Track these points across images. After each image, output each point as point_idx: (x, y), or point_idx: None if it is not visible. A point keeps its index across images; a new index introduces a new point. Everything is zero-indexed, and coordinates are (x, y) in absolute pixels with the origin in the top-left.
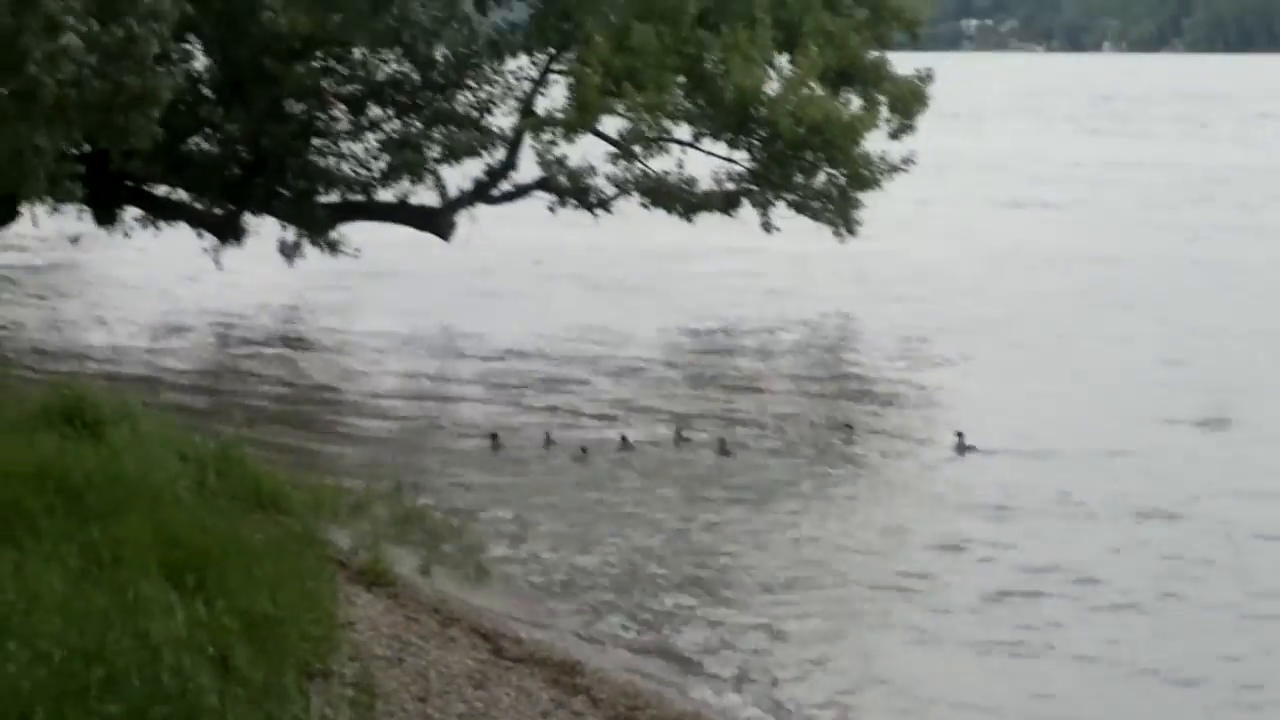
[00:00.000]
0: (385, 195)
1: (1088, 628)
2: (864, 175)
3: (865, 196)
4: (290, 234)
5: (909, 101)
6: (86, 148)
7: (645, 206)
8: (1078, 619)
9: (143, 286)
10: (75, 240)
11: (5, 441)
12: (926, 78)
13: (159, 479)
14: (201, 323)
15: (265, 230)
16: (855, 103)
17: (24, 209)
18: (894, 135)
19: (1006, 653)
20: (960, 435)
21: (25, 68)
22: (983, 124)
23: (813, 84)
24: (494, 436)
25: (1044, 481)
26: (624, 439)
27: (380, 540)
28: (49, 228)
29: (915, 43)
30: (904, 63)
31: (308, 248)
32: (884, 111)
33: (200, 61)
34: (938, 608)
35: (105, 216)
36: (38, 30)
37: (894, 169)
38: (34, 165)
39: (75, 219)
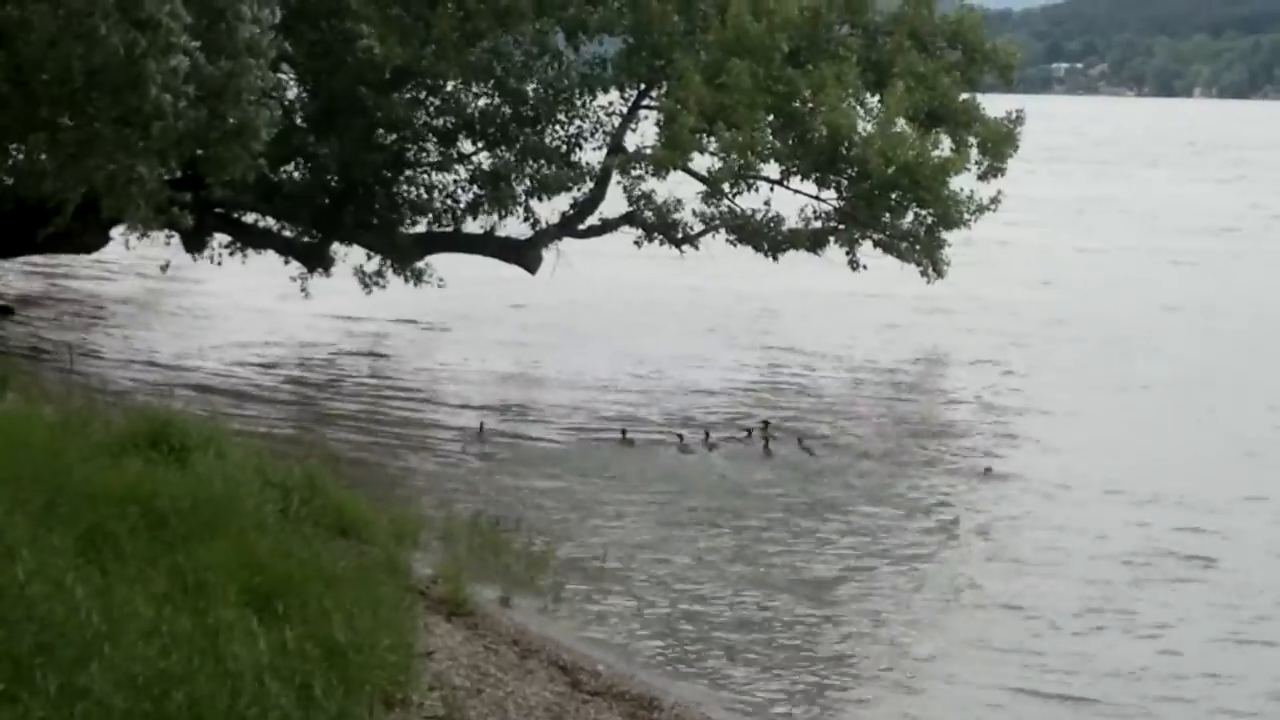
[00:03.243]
0: (473, 227)
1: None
2: (952, 216)
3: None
4: (374, 263)
5: (1000, 143)
6: (178, 174)
7: (732, 243)
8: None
9: (229, 313)
10: (165, 267)
11: (92, 465)
12: (1017, 120)
13: (243, 504)
14: (287, 350)
15: (352, 259)
16: (946, 143)
17: (115, 235)
18: (983, 177)
19: None
20: (988, 469)
21: (146, 89)
22: (1104, 169)
23: (902, 124)
24: (624, 435)
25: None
26: (707, 435)
27: (461, 570)
28: (135, 255)
29: (1005, 85)
30: (994, 105)
31: (392, 278)
32: (974, 153)
33: (293, 91)
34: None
35: (195, 243)
36: (156, 51)
37: (982, 209)
38: (134, 192)
39: (164, 245)
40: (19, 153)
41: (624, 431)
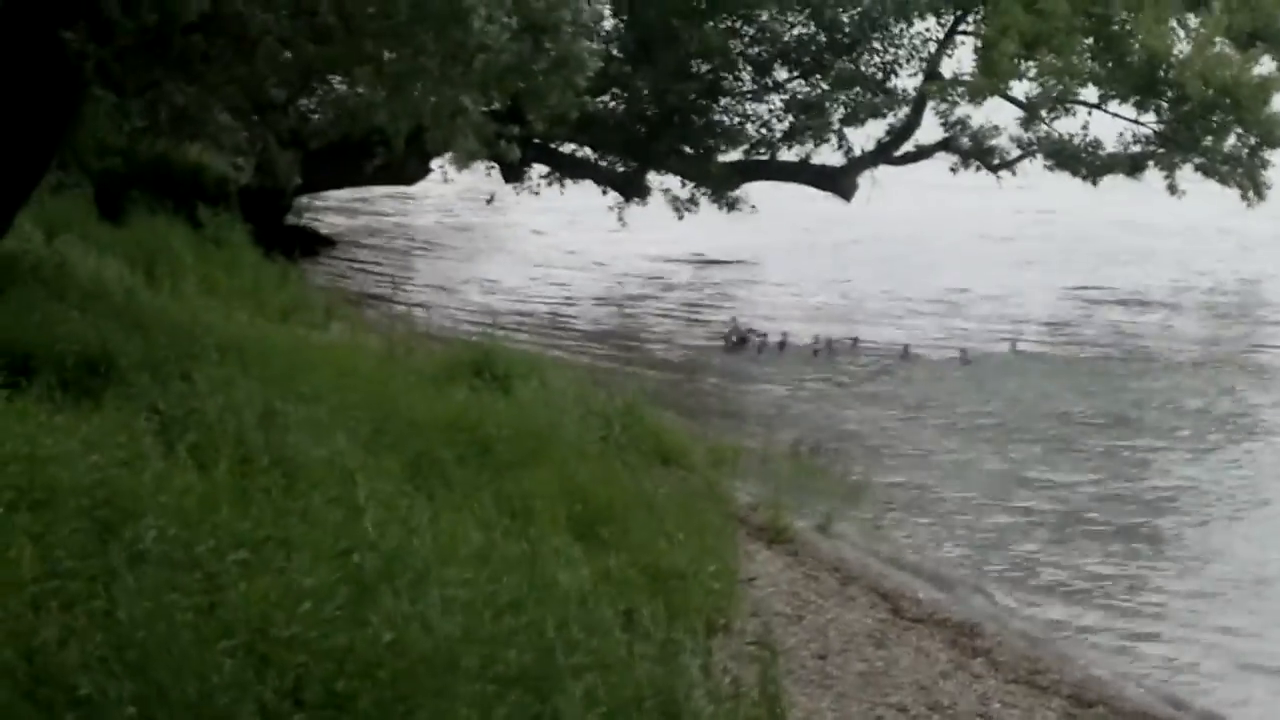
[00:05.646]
0: (788, 155)
1: None
2: (1276, 136)
3: None
4: (687, 191)
5: None
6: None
7: (1050, 169)
8: None
9: (544, 244)
10: (490, 200)
11: (419, 394)
12: None
13: (566, 432)
14: (603, 279)
15: (666, 187)
16: (1267, 64)
17: (435, 166)
18: None
19: None
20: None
21: (469, 22)
22: None
23: (1221, 44)
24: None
25: None
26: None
27: (780, 497)
28: (452, 187)
29: None
30: None
31: (705, 206)
32: None
33: (610, 22)
34: None
35: (513, 174)
36: None
37: None
38: (460, 124)
39: (483, 177)
40: (344, 85)
41: (903, 351)
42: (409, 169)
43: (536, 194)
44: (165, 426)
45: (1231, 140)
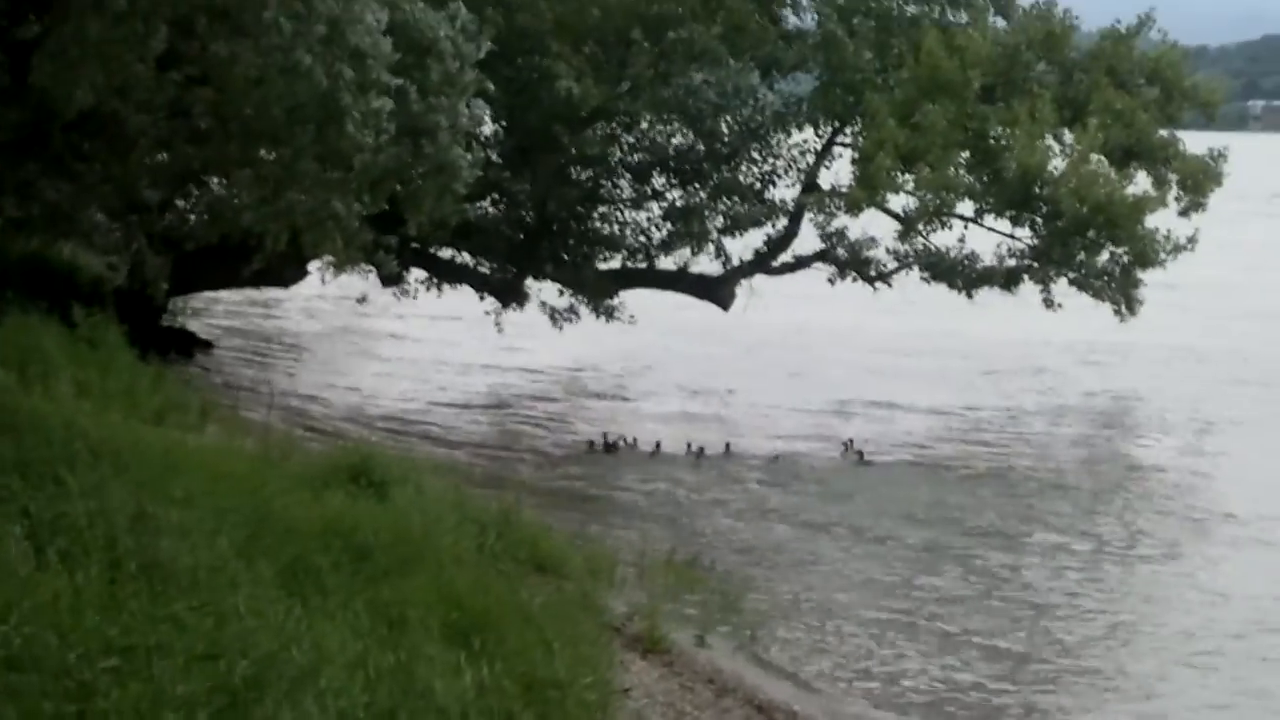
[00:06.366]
0: (666, 263)
1: None
2: (1148, 255)
3: None
4: (565, 300)
5: (1201, 180)
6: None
7: (926, 281)
8: None
9: (421, 348)
10: (362, 300)
11: (295, 498)
12: (1219, 157)
13: (442, 539)
14: (480, 386)
15: (545, 295)
16: (1142, 180)
17: (312, 269)
18: (1183, 213)
19: None
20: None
21: (344, 125)
22: None
23: (1097, 161)
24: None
25: None
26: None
27: (656, 607)
28: (331, 290)
29: (1205, 122)
30: (1192, 142)
31: (584, 314)
32: (1172, 190)
33: (489, 128)
34: None
35: (391, 278)
36: (355, 87)
37: (1179, 248)
38: (332, 228)
39: (361, 279)
40: (221, 187)
41: (774, 459)
42: (286, 272)
43: (414, 298)
44: (34, 530)
45: (1105, 256)
